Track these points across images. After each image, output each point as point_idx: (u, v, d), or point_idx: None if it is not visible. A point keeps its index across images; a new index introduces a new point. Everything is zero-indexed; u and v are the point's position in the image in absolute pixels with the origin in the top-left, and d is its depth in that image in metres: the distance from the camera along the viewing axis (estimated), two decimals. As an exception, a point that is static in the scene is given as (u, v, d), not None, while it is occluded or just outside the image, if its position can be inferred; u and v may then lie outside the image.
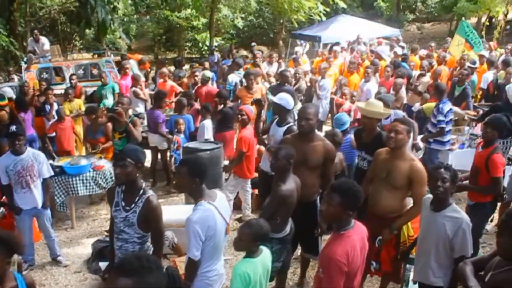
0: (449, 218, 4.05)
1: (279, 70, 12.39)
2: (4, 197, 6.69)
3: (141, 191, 4.13)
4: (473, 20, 25.03)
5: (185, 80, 12.61)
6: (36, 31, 15.77)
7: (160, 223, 4.18)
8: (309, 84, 11.62)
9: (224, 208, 4.13)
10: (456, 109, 9.37)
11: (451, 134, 8.13)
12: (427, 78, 10.59)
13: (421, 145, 7.85)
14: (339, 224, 3.45)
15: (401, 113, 7.93)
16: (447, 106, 7.86)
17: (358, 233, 3.50)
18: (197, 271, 3.98)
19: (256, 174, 7.74)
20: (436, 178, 4.04)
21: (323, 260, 3.43)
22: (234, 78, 11.02)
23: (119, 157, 4.12)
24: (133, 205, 4.10)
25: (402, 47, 15.38)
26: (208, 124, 8.73)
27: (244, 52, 20.83)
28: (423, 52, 14.40)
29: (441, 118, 7.77)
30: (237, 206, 7.86)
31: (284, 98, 6.46)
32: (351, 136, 6.90)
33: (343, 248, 3.33)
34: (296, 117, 6.17)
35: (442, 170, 4.06)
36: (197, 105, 9.77)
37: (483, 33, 20.72)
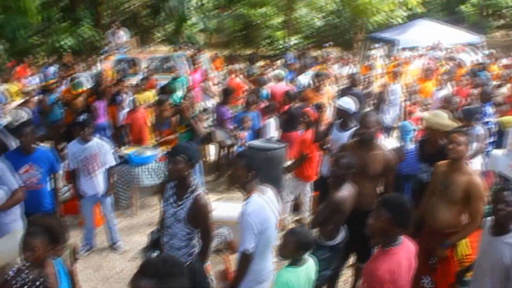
0: (508, 245, 3.76)
1: (350, 72, 12.17)
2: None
3: (191, 188, 4.13)
4: None
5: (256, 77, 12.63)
6: (115, 23, 16.29)
7: (208, 221, 4.17)
8: (381, 88, 11.36)
9: (274, 203, 4.12)
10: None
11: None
12: (505, 89, 10.06)
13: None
14: (386, 240, 3.31)
15: (480, 128, 7.50)
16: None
17: (405, 250, 3.34)
18: (250, 266, 3.94)
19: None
20: (498, 200, 3.78)
21: (367, 275, 3.31)
22: (304, 79, 10.93)
23: (172, 152, 4.15)
24: (182, 202, 4.10)
25: (488, 55, 14.66)
26: (273, 123, 8.72)
27: (314, 53, 20.61)
28: (505, 61, 13.67)
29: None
30: (297, 207, 7.80)
31: (349, 103, 6.35)
32: (417, 146, 6.65)
33: (388, 265, 3.19)
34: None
35: (507, 192, 3.78)
36: (264, 103, 9.76)
37: None
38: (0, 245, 4.72)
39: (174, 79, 11.49)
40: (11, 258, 4.66)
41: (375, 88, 11.33)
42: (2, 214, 4.89)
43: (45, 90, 10.21)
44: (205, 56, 14.78)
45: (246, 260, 3.91)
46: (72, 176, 6.62)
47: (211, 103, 11.26)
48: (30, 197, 5.25)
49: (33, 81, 13.84)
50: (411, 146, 6.82)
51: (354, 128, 6.19)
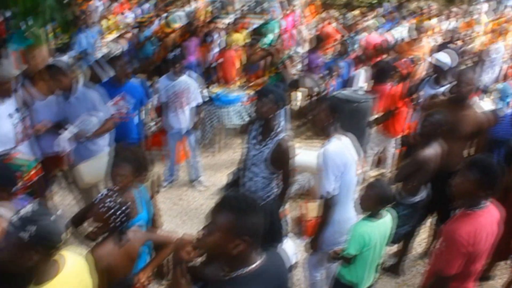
0: None
1: (449, 27, 11.56)
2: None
3: (276, 131, 4.12)
4: None
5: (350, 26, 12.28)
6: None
7: (289, 165, 4.16)
8: (481, 46, 10.71)
9: (353, 148, 4.02)
10: None
11: None
12: None
13: None
14: (470, 202, 3.15)
15: None
16: None
17: (490, 215, 3.16)
18: (333, 211, 3.89)
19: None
20: None
21: (445, 236, 3.17)
22: (399, 32, 10.54)
23: (260, 93, 4.13)
24: (265, 143, 4.11)
25: None
26: (363, 73, 8.49)
27: (413, 5, 19.64)
28: None
29: None
30: (380, 162, 7.65)
31: (445, 58, 6.05)
32: (512, 111, 6.26)
33: (470, 228, 3.04)
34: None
35: None
36: (356, 53, 9.49)
37: None
38: (88, 167, 4.96)
39: (267, 22, 11.40)
40: (97, 180, 4.91)
41: (476, 45, 10.68)
42: (94, 140, 5.11)
43: (140, 25, 10.45)
44: (300, 1, 14.48)
45: (328, 204, 3.86)
46: (160, 110, 6.81)
47: (301, 48, 11.10)
48: (119, 127, 5.43)
49: (129, 16, 14.21)
50: (507, 110, 6.42)
51: (448, 85, 5.92)
